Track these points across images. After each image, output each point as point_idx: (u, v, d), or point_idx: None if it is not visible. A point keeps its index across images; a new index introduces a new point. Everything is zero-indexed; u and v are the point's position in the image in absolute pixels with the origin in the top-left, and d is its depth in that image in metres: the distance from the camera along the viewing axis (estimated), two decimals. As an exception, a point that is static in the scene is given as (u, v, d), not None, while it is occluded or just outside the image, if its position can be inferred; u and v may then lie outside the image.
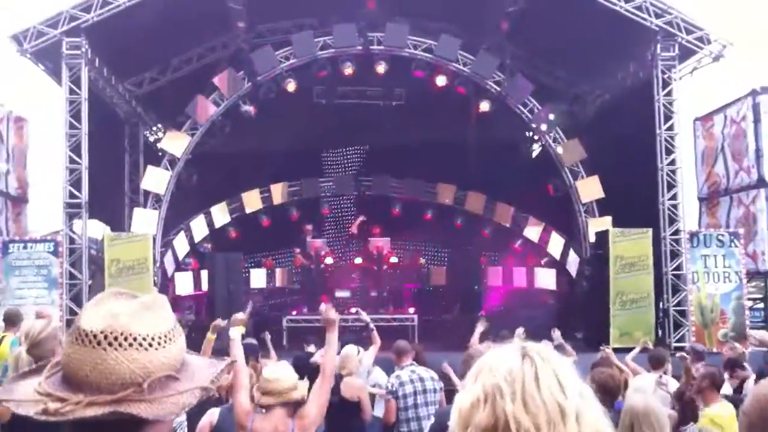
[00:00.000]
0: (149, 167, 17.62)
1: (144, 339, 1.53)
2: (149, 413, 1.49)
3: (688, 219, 17.27)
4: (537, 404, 1.45)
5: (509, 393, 1.47)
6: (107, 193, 17.90)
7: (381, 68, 17.93)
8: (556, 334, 9.10)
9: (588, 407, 1.48)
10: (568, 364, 1.54)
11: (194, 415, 5.53)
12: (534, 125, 18.30)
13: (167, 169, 17.27)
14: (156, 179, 17.23)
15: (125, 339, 1.52)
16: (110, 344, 1.51)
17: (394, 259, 20.51)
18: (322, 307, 5.06)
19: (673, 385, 7.26)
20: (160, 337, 1.56)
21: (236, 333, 5.28)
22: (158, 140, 20.33)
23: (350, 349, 8.23)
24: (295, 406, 4.53)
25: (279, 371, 4.50)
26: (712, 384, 6.43)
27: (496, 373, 1.50)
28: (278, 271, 21.35)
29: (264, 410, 4.54)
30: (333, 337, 4.87)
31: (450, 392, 7.28)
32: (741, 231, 16.90)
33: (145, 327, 1.55)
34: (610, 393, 5.13)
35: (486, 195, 22.11)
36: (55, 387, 1.53)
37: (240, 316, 5.55)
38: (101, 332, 1.51)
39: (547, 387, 1.47)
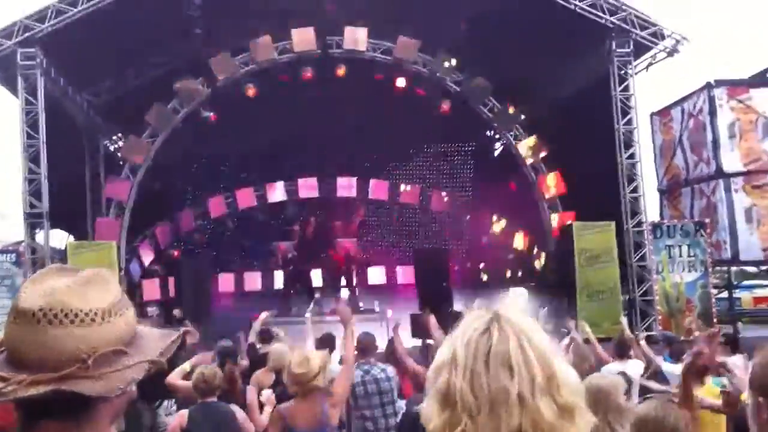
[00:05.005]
0: (110, 176, 17.42)
1: (86, 314, 1.46)
2: (93, 390, 1.43)
3: (650, 211, 17.49)
4: (481, 383, 1.39)
5: (462, 365, 1.41)
6: (69, 202, 17.64)
7: (341, 71, 17.90)
8: (571, 324, 8.79)
9: (536, 392, 1.37)
10: (535, 340, 1.42)
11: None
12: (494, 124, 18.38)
13: (128, 177, 17.08)
14: (118, 187, 17.03)
15: (65, 315, 1.45)
16: (50, 322, 1.44)
17: (360, 260, 20.48)
18: (336, 304, 5.64)
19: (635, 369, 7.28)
20: (103, 311, 1.49)
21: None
22: (118, 149, 20.11)
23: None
24: (321, 390, 5.03)
25: (303, 364, 4.89)
26: None
27: (459, 339, 1.45)
28: (246, 274, 21.21)
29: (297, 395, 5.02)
30: (349, 330, 5.51)
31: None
32: (707, 221, 17.13)
33: (86, 301, 1.48)
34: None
35: (449, 193, 22.22)
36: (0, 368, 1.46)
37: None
38: (39, 310, 1.45)
39: (495, 367, 1.39)
